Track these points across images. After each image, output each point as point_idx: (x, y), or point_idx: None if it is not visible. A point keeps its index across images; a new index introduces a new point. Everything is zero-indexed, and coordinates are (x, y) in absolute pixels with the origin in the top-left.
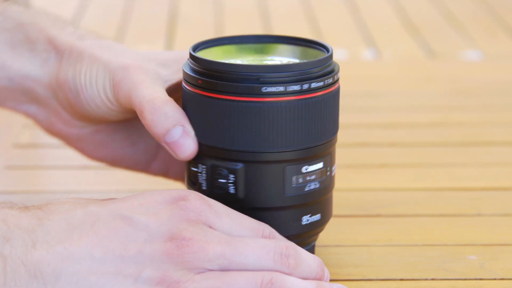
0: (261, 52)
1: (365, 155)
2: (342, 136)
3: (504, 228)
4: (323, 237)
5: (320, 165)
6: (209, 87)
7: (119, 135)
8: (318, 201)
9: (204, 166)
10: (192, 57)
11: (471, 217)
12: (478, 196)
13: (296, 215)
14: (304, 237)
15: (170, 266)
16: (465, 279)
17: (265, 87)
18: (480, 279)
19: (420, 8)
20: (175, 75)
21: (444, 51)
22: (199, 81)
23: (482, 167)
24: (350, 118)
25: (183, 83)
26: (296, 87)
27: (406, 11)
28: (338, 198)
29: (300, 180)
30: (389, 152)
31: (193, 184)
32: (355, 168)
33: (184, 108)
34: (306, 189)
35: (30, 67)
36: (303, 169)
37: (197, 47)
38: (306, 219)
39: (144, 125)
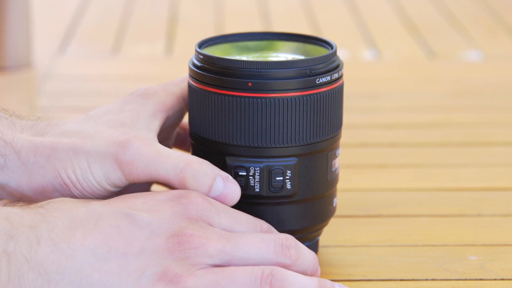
0: (265, 49)
1: (366, 155)
2: (342, 136)
3: (504, 228)
4: (324, 238)
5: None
6: (260, 88)
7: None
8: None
9: (257, 168)
10: (226, 61)
11: (472, 218)
12: (478, 197)
13: (332, 198)
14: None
15: (172, 262)
16: (465, 280)
17: (318, 79)
18: (481, 279)
19: (421, 9)
20: (157, 123)
21: (444, 51)
22: (249, 84)
23: (483, 167)
24: (351, 118)
25: (219, 92)
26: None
27: (406, 12)
28: (339, 199)
29: (336, 165)
30: (389, 152)
31: (242, 189)
32: (355, 168)
33: (226, 121)
34: (337, 171)
35: None
36: (336, 153)
37: (203, 44)
38: (335, 201)
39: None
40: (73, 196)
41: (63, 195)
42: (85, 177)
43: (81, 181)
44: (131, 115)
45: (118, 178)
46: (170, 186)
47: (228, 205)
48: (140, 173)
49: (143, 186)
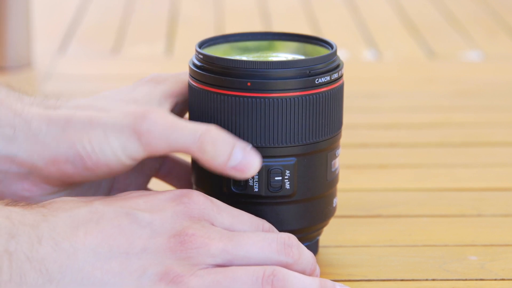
0: (265, 49)
1: (366, 155)
2: (342, 136)
3: (504, 228)
4: (324, 238)
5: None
6: (259, 88)
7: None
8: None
9: None
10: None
11: (472, 218)
12: (478, 197)
13: (331, 198)
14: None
15: (173, 262)
16: (465, 280)
17: (317, 79)
18: (481, 279)
19: (421, 9)
20: (167, 106)
21: (444, 51)
22: (248, 84)
23: (483, 167)
24: (351, 118)
25: (218, 91)
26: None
27: (406, 12)
28: (339, 199)
29: (336, 165)
30: (389, 152)
31: (242, 189)
32: (355, 168)
33: (225, 120)
34: (337, 172)
35: None
36: (336, 153)
37: (203, 44)
38: (335, 201)
39: (201, 161)
40: (88, 168)
41: (76, 167)
42: (101, 148)
43: (97, 152)
44: (144, 95)
45: (135, 150)
46: (189, 155)
47: (246, 176)
48: (158, 143)
49: (140, 183)
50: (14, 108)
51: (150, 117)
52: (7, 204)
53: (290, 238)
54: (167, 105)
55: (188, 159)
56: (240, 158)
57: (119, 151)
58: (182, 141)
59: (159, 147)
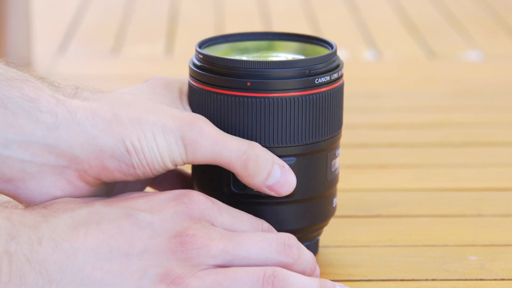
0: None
1: (366, 155)
2: (343, 136)
3: (504, 228)
4: (324, 237)
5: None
6: (259, 88)
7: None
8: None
9: None
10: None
11: (472, 218)
12: (478, 197)
13: (331, 198)
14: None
15: (174, 263)
16: (465, 280)
17: (317, 79)
18: (481, 279)
19: (421, 9)
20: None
21: (444, 51)
22: (248, 83)
23: (483, 167)
24: (351, 118)
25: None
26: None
27: (406, 12)
28: (339, 199)
29: (336, 165)
30: (389, 152)
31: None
32: (355, 168)
33: (225, 120)
34: (337, 172)
35: (31, 132)
36: (336, 153)
37: (203, 44)
38: (335, 201)
39: (240, 177)
40: (132, 165)
41: (120, 162)
42: (150, 147)
43: (145, 150)
44: (166, 98)
45: (179, 155)
46: (229, 168)
47: (282, 195)
48: (203, 153)
49: (137, 188)
50: (57, 97)
51: (199, 126)
52: (7, 206)
53: (290, 238)
54: (188, 108)
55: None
56: (278, 177)
57: (165, 153)
58: (227, 156)
59: (202, 157)
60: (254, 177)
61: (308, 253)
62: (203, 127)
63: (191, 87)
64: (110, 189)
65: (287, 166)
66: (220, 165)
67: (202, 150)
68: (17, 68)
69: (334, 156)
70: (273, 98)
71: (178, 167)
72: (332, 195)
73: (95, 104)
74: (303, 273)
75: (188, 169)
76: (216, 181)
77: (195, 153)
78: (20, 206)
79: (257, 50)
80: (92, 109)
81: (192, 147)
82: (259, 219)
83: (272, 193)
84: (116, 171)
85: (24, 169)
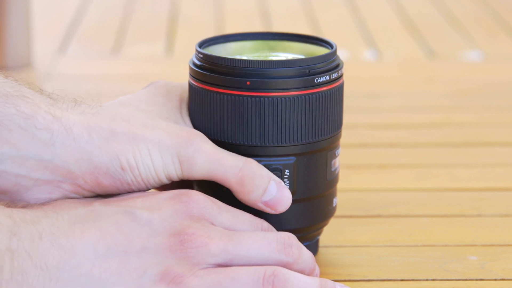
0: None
1: (366, 155)
2: (343, 136)
3: (504, 228)
4: (324, 238)
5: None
6: (258, 87)
7: None
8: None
9: None
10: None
11: (472, 218)
12: (478, 197)
13: (331, 198)
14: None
15: (173, 261)
16: (465, 280)
17: (317, 78)
18: (481, 279)
19: (421, 9)
20: (187, 118)
21: (444, 51)
22: (248, 83)
23: (483, 167)
24: (351, 118)
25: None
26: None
27: (406, 12)
28: (339, 199)
29: (336, 164)
30: (389, 152)
31: None
32: (355, 168)
33: (225, 119)
34: (336, 171)
35: (27, 148)
36: (336, 153)
37: (203, 44)
38: (335, 201)
39: (236, 193)
40: (126, 182)
41: (115, 178)
42: (145, 164)
43: (140, 167)
44: (165, 109)
45: (175, 172)
46: (224, 184)
47: (278, 211)
48: (198, 170)
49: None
50: (53, 113)
51: (195, 143)
52: (9, 205)
53: (290, 238)
54: (187, 117)
55: None
56: (274, 193)
57: (160, 170)
58: (223, 173)
59: (198, 174)
60: (250, 193)
61: (307, 253)
62: (200, 144)
63: (191, 87)
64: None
65: (283, 183)
66: (216, 181)
67: (198, 167)
68: (16, 81)
69: (334, 156)
70: (272, 97)
71: None
72: (332, 195)
73: (92, 119)
74: (302, 272)
75: None
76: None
77: (191, 170)
78: (20, 205)
79: (258, 50)
80: (89, 125)
81: (187, 164)
82: (259, 218)
83: (268, 210)
84: (110, 186)
85: (19, 182)
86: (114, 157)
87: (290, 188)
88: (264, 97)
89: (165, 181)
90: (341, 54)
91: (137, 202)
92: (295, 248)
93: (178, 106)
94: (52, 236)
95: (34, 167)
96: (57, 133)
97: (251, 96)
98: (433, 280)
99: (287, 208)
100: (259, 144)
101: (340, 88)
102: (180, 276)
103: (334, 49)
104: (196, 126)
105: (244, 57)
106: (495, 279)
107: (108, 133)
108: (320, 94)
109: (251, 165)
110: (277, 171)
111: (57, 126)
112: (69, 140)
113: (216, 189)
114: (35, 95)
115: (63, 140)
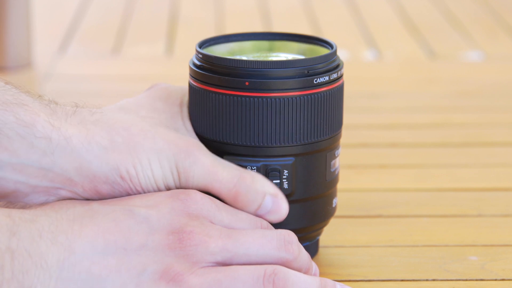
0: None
1: (366, 155)
2: (343, 136)
3: (505, 229)
4: (324, 238)
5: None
6: (257, 87)
7: None
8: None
9: (254, 167)
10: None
11: (472, 218)
12: (479, 197)
13: (331, 198)
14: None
15: (173, 260)
16: (466, 280)
17: (316, 79)
18: (481, 279)
19: (421, 9)
20: (189, 123)
21: (445, 52)
22: (246, 83)
23: (483, 167)
24: (351, 118)
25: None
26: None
27: (407, 12)
28: (339, 199)
29: (335, 165)
30: (390, 152)
31: None
32: (356, 168)
33: (224, 120)
34: (336, 172)
35: (26, 156)
36: (336, 153)
37: (203, 44)
38: (335, 202)
39: (232, 206)
40: (125, 191)
41: (114, 188)
42: (145, 174)
43: (140, 177)
44: (166, 115)
45: (173, 181)
46: (219, 198)
47: (274, 222)
48: (195, 181)
49: None
50: (52, 122)
51: (193, 155)
52: (8, 206)
53: (289, 235)
54: (188, 123)
55: None
56: (269, 208)
57: (159, 180)
58: (218, 186)
59: (195, 185)
60: (244, 208)
61: (305, 251)
62: (197, 156)
63: (191, 87)
64: None
65: (280, 195)
66: (211, 194)
67: (195, 179)
68: (15, 88)
69: (334, 156)
70: (271, 97)
71: None
72: (332, 195)
73: (92, 128)
74: (300, 270)
75: None
76: None
77: (188, 181)
78: (19, 205)
79: (258, 50)
80: (88, 134)
81: (185, 175)
82: (258, 217)
83: (265, 219)
84: (108, 195)
85: (18, 188)
86: (113, 167)
87: (289, 188)
88: (263, 97)
89: (164, 189)
90: (341, 54)
91: (135, 200)
92: (295, 246)
93: (179, 111)
94: (51, 234)
95: (33, 174)
96: (56, 142)
97: (250, 97)
98: (434, 280)
99: (283, 218)
100: (257, 144)
101: (340, 89)
102: (180, 274)
103: (334, 49)
104: (195, 126)
105: (244, 57)
106: (496, 279)
107: (108, 143)
108: (319, 94)
109: (246, 181)
110: (276, 172)
111: (56, 135)
112: (68, 150)
113: None
114: (34, 103)
115: (62, 149)
